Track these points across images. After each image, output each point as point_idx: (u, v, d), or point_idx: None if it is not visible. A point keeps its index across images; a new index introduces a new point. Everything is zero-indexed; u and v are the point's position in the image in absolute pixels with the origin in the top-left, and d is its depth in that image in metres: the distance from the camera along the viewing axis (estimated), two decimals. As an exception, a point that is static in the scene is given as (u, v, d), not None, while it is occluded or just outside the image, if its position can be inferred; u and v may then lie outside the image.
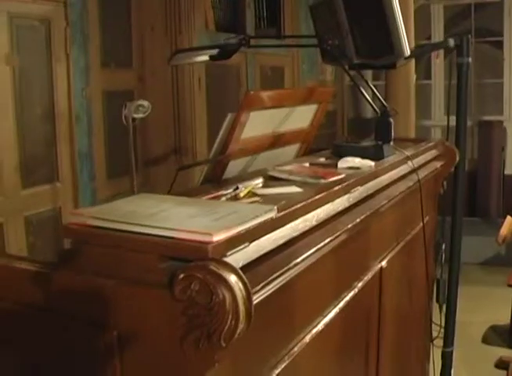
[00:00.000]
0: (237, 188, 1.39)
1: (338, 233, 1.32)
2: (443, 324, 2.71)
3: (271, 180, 1.50)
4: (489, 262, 5.19)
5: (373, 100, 2.07)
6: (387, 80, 4.25)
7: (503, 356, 3.81)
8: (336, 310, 1.44)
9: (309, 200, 1.23)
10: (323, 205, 1.30)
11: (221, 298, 0.84)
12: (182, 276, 0.86)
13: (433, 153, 2.27)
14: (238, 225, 0.97)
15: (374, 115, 6.54)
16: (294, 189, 1.38)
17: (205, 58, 2.02)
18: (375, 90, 2.05)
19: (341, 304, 1.47)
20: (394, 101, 4.17)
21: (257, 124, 1.65)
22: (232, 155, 1.59)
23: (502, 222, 5.28)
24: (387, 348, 1.86)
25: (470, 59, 2.48)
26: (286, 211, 1.13)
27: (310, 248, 1.18)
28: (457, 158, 2.45)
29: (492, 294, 4.55)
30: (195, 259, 0.89)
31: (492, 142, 5.64)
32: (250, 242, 1.00)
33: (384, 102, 1.97)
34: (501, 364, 3.74)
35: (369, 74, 6.10)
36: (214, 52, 1.99)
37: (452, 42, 2.42)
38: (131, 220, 0.99)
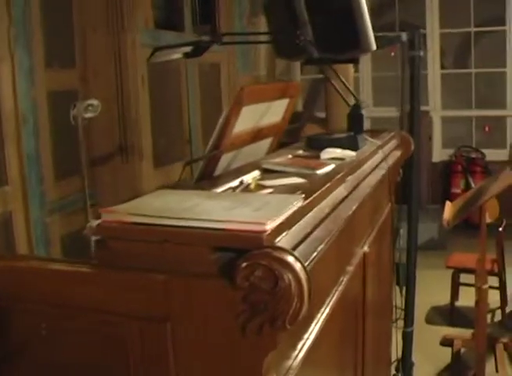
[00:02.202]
0: (242, 181, 1.42)
1: (342, 221, 1.38)
2: (401, 306, 2.85)
3: (266, 173, 1.55)
4: (424, 247, 5.42)
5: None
6: (325, 72, 4.35)
7: (447, 334, 4.02)
8: (337, 294, 1.50)
9: (322, 189, 1.29)
10: (330, 194, 1.36)
11: (287, 283, 0.88)
12: (244, 264, 0.89)
13: (394, 142, 2.38)
14: (280, 215, 1.01)
15: (302, 110, 6.66)
16: (297, 179, 1.43)
17: (178, 55, 2.03)
18: (346, 83, 2.12)
19: (340, 288, 1.53)
20: (334, 93, 4.29)
21: (244, 119, 1.69)
22: (224, 150, 1.62)
23: (437, 209, 5.54)
24: (369, 333, 1.94)
25: (422, 53, 2.62)
26: (309, 201, 1.18)
27: (326, 236, 1.23)
28: (412, 147, 2.59)
29: (431, 276, 4.77)
30: (250, 248, 0.92)
31: (420, 132, 5.88)
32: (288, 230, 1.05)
33: (355, 94, 2.05)
34: (446, 342, 3.95)
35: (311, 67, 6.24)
36: (188, 49, 2.01)
37: (404, 36, 2.55)
38: (171, 214, 1.01)
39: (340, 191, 1.45)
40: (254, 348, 0.93)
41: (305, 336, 1.24)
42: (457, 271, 4.42)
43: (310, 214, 1.20)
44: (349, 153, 1.80)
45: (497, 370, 3.58)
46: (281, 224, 1.00)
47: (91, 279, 1.04)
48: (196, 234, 0.97)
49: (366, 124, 6.56)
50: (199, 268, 0.96)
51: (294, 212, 1.08)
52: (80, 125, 3.19)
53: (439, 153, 6.34)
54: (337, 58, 2.27)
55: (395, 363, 2.85)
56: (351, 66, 4.35)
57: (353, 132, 1.99)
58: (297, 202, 1.10)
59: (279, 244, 0.97)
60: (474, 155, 6.23)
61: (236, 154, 1.83)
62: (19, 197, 3.21)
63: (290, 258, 0.90)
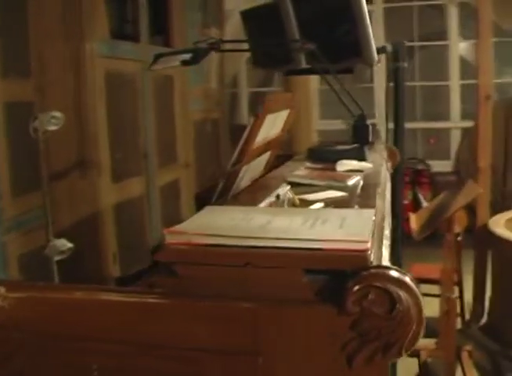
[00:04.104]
0: (279, 196, 1.34)
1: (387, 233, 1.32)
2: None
3: (295, 186, 1.47)
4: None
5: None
6: (286, 85, 4.33)
7: (413, 345, 4.03)
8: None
9: (378, 203, 1.22)
10: (376, 205, 1.30)
11: (406, 306, 0.81)
12: (357, 287, 0.81)
13: (385, 154, 2.35)
14: (367, 231, 0.93)
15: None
16: (336, 193, 1.36)
17: (176, 63, 1.93)
18: (351, 95, 2.07)
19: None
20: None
21: (261, 130, 1.61)
22: (245, 162, 1.53)
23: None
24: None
25: (406, 64, 2.62)
26: (376, 215, 1.11)
27: (388, 253, 1.17)
28: (399, 159, 2.57)
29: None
30: (353, 269, 0.84)
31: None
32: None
33: (360, 106, 2.00)
34: (411, 353, 3.95)
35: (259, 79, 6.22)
36: (187, 56, 1.91)
37: (389, 48, 2.54)
38: (250, 234, 0.92)
39: (381, 204, 1.39)
40: (362, 379, 0.84)
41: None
42: (417, 282, 4.45)
43: (377, 229, 1.12)
44: (366, 165, 1.74)
45: (465, 378, 3.61)
46: (373, 241, 0.92)
47: (160, 310, 0.91)
48: (287, 256, 0.87)
49: (314, 137, 6.55)
50: (291, 293, 0.87)
51: (373, 227, 1.01)
52: (41, 139, 3.00)
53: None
54: (329, 68, 2.22)
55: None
56: (311, 78, 4.33)
57: (358, 144, 1.94)
58: (372, 217, 1.03)
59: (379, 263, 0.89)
60: (420, 167, 6.35)
61: (247, 168, 1.74)
62: (-24, 216, 2.98)
63: (406, 278, 0.82)
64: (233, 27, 6.03)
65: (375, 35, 6.03)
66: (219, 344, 0.88)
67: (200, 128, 5.47)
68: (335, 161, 1.80)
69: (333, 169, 1.71)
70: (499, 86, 6.09)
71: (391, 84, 2.64)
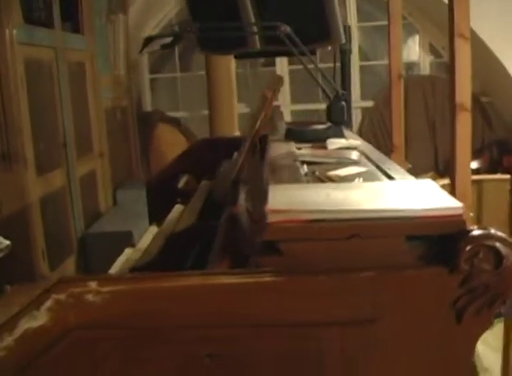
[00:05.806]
0: (307, 174, 1.40)
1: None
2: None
3: (309, 165, 1.53)
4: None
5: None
6: (208, 68, 4.33)
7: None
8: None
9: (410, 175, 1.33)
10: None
11: (511, 261, 0.91)
12: (469, 247, 0.90)
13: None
14: (444, 198, 1.02)
15: (154, 109, 6.51)
16: (359, 168, 1.44)
17: (157, 47, 1.91)
18: (326, 75, 2.14)
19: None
20: (216, 90, 4.30)
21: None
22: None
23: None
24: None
25: (352, 46, 2.74)
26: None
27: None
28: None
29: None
30: (453, 233, 0.93)
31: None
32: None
33: (335, 85, 2.09)
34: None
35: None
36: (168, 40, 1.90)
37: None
38: (351, 207, 0.98)
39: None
40: (469, 332, 0.94)
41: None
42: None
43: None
44: (355, 142, 1.84)
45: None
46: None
47: (275, 288, 0.94)
48: (393, 225, 0.95)
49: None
50: (393, 260, 0.95)
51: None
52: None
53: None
54: (304, 50, 2.25)
55: None
56: (233, 62, 4.37)
57: (334, 123, 2.02)
58: (437, 185, 1.12)
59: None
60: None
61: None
62: None
63: (508, 237, 0.92)
64: (136, 12, 5.93)
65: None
66: (337, 316, 0.94)
67: (110, 116, 5.36)
68: (318, 140, 1.88)
69: (324, 147, 1.78)
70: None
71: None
